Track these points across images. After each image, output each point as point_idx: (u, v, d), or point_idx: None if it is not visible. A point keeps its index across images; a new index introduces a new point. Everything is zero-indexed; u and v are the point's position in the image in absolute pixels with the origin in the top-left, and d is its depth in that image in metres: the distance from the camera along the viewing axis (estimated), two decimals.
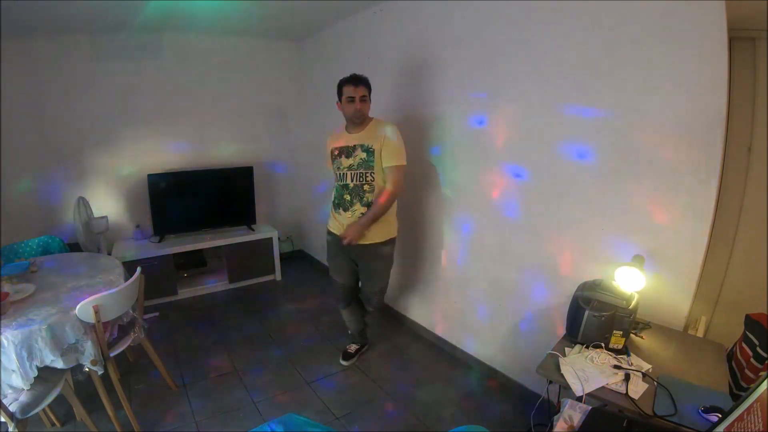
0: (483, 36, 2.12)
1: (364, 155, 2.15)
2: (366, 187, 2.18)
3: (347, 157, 2.19)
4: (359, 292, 2.51)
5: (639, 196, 1.62)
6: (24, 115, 3.02)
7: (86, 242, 2.93)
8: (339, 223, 2.29)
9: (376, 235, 2.22)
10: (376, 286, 2.41)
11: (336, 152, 2.24)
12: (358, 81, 2.12)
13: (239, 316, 3.20)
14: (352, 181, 2.19)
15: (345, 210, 2.23)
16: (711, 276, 1.67)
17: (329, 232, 2.39)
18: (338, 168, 2.24)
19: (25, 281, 1.93)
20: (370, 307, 2.51)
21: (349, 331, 2.63)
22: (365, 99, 2.14)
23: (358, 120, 2.16)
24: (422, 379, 2.39)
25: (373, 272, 2.36)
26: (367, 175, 2.16)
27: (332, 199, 2.34)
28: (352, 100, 2.11)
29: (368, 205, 2.18)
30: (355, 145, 2.17)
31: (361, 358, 2.60)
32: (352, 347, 2.60)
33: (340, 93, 2.16)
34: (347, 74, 2.15)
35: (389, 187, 2.15)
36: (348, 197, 2.21)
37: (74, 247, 2.96)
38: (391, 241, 2.31)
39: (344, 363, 2.52)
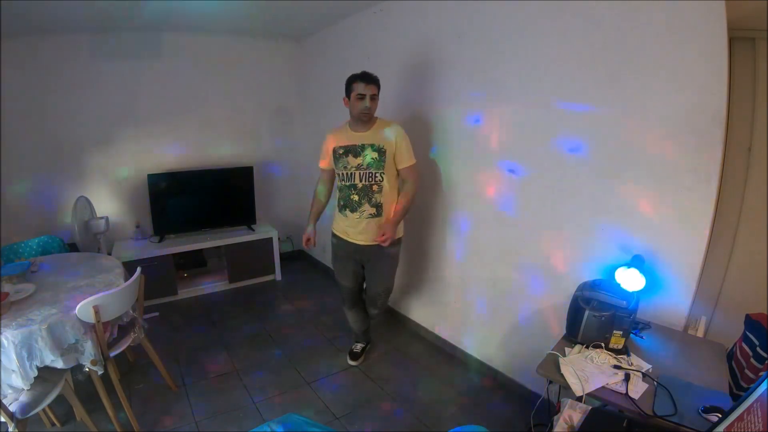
0: (483, 35, 2.12)
1: (375, 155, 2.11)
2: (375, 187, 2.15)
3: (355, 156, 2.14)
4: (364, 293, 2.50)
5: (639, 196, 1.62)
6: (24, 114, 3.02)
7: (83, 242, 2.93)
8: (345, 225, 2.25)
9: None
10: (381, 287, 2.37)
11: (341, 151, 2.17)
12: (369, 79, 2.06)
13: (239, 316, 3.20)
14: (360, 181, 2.15)
15: (352, 211, 2.19)
16: (711, 276, 1.67)
17: (334, 235, 2.35)
18: (345, 167, 2.17)
19: (25, 281, 1.93)
20: (374, 309, 2.47)
21: (354, 331, 2.61)
22: (375, 98, 2.09)
23: (366, 118, 2.11)
24: (422, 379, 2.39)
25: (380, 273, 2.33)
26: (377, 175, 2.13)
27: (337, 200, 2.29)
28: (362, 97, 2.05)
29: (376, 205, 2.16)
30: (363, 144, 2.13)
31: (363, 358, 2.59)
32: (358, 346, 2.60)
33: (349, 89, 2.10)
34: (348, 72, 2.12)
35: (411, 186, 2.17)
36: (356, 197, 2.17)
37: (74, 247, 2.96)
38: (398, 242, 2.29)
39: (353, 362, 2.53)
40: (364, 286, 2.47)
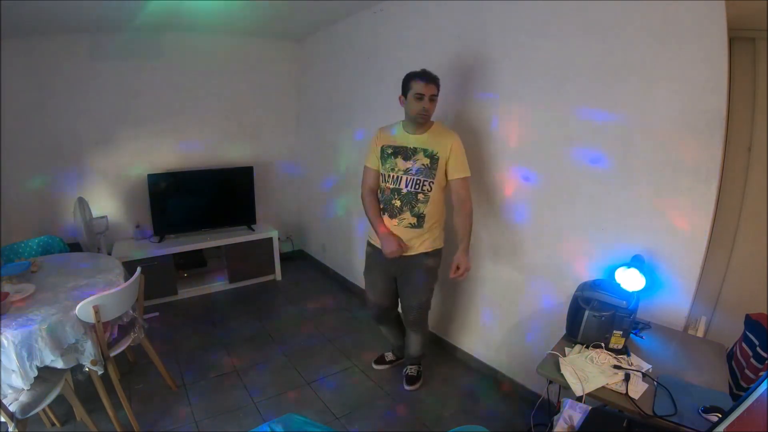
0: (483, 37, 2.12)
1: (426, 161, 1.95)
2: (420, 196, 1.98)
3: (405, 159, 1.98)
4: (393, 312, 2.32)
5: (639, 196, 1.62)
6: (24, 115, 3.01)
7: (86, 242, 2.93)
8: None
9: (422, 244, 2.04)
10: (414, 301, 2.13)
11: (390, 150, 2.02)
12: (430, 78, 1.91)
13: (239, 316, 3.20)
14: (406, 186, 1.98)
15: (392, 217, 2.02)
16: (711, 276, 1.67)
17: (369, 244, 2.19)
18: (392, 169, 2.00)
19: (25, 281, 1.93)
20: (406, 323, 2.26)
21: (390, 342, 2.49)
22: (434, 99, 1.94)
23: (422, 120, 1.95)
24: (422, 379, 2.38)
25: (414, 286, 2.11)
26: (425, 183, 1.97)
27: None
28: (420, 97, 1.90)
29: (418, 215, 1.99)
30: (416, 148, 1.97)
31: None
32: (389, 356, 2.51)
33: (406, 87, 1.95)
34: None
35: (468, 202, 1.98)
36: (398, 203, 2.00)
37: (74, 247, 2.96)
38: (437, 253, 2.09)
39: (376, 367, 2.49)
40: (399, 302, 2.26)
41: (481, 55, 2.15)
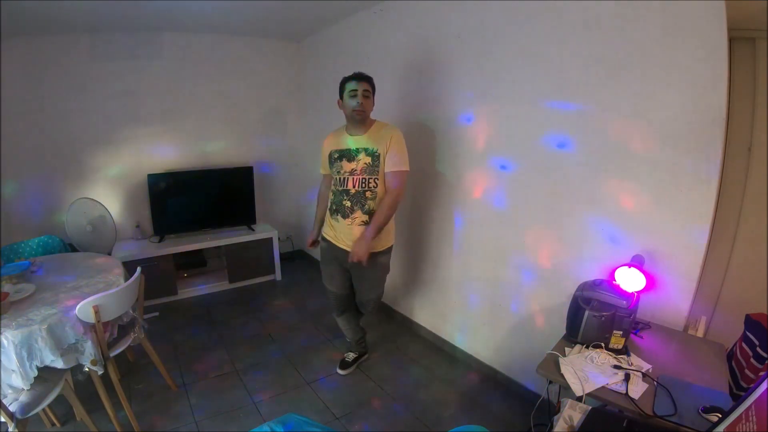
0: (483, 36, 2.12)
1: (368, 160, 2.03)
2: (368, 194, 2.05)
3: (349, 161, 2.07)
4: (354, 299, 2.39)
5: (639, 196, 1.62)
6: (24, 115, 3.02)
7: (82, 242, 2.93)
8: (336, 230, 2.16)
9: (376, 244, 2.08)
10: (372, 294, 2.31)
11: (336, 155, 2.11)
12: (361, 77, 2.02)
13: (239, 316, 3.20)
14: (353, 186, 2.06)
15: (344, 217, 2.09)
16: (711, 276, 1.67)
17: (324, 239, 2.27)
18: (338, 172, 2.10)
19: (25, 281, 1.93)
20: (364, 312, 2.45)
21: (347, 339, 2.53)
22: (368, 95, 2.03)
23: (359, 117, 2.02)
24: (422, 379, 2.39)
25: (369, 281, 2.25)
26: (371, 181, 2.04)
27: (329, 204, 2.20)
28: (354, 94, 1.99)
29: (369, 212, 2.06)
30: (357, 149, 2.05)
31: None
32: (350, 356, 2.49)
33: (342, 89, 2.05)
34: (347, 74, 2.11)
35: (393, 193, 2.02)
36: (348, 203, 2.08)
37: (75, 247, 2.96)
38: (388, 250, 2.22)
39: (341, 372, 2.42)
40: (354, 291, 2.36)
41: (481, 53, 2.14)
